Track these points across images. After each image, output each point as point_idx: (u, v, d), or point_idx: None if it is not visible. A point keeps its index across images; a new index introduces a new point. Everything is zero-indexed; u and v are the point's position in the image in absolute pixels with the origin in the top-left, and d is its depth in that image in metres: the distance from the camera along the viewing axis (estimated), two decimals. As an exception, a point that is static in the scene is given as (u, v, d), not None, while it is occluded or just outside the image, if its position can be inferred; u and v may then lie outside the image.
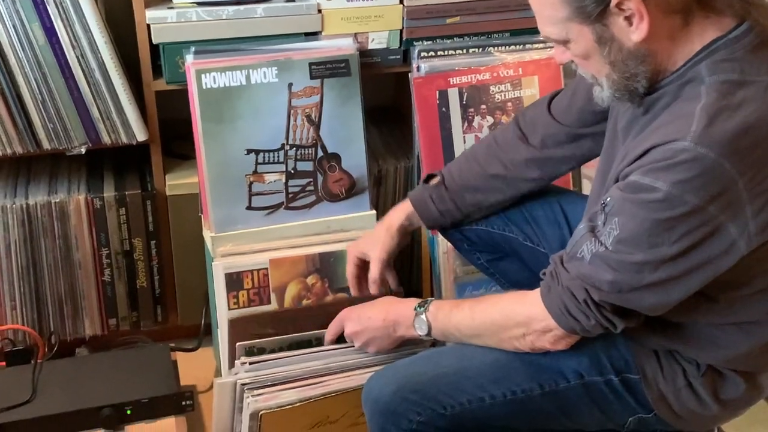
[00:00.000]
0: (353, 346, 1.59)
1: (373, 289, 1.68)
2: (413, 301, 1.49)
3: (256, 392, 1.55)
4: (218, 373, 1.94)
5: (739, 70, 1.18)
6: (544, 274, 1.32)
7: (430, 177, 1.69)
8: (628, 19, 1.19)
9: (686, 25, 1.21)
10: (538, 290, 1.31)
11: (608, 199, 1.23)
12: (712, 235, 1.17)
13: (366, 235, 1.75)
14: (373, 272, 1.67)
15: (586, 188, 2.05)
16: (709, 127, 1.14)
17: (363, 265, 1.71)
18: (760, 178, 1.15)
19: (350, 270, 1.73)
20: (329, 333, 1.63)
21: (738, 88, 1.17)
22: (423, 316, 1.45)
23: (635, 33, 1.19)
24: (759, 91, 1.16)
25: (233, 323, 1.69)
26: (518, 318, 1.34)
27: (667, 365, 1.36)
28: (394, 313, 1.51)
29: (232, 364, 1.64)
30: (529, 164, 1.61)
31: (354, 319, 1.58)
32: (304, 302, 1.84)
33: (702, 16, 1.21)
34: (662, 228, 1.17)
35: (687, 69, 1.22)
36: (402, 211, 1.69)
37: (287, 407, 1.54)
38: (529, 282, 1.47)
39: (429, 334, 1.46)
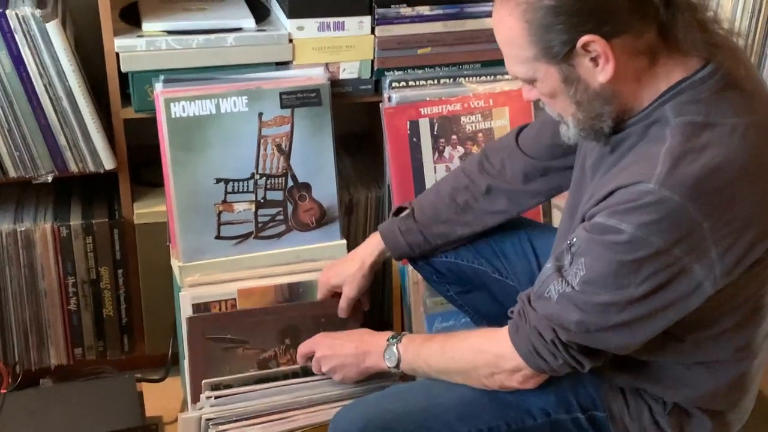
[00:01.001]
0: (321, 378, 1.58)
1: (342, 314, 1.73)
2: (387, 334, 1.50)
3: (221, 428, 1.53)
4: (185, 404, 1.91)
5: (704, 113, 1.19)
6: (512, 312, 1.31)
7: (400, 210, 1.69)
8: (594, 60, 1.19)
9: (652, 66, 1.21)
10: (506, 329, 1.31)
11: (575, 240, 1.23)
12: (678, 277, 1.17)
13: (336, 264, 1.75)
14: (344, 308, 1.73)
15: (557, 218, 2.06)
16: (673, 170, 1.14)
17: (333, 293, 1.75)
18: (725, 220, 1.15)
19: (320, 298, 1.76)
20: (299, 353, 1.65)
21: (702, 131, 1.17)
22: (394, 348, 1.46)
23: (601, 74, 1.19)
24: (723, 135, 1.17)
25: (191, 322, 1.69)
26: (487, 357, 1.33)
27: (633, 403, 1.36)
28: (367, 344, 1.52)
29: (195, 397, 1.63)
30: (496, 197, 1.61)
31: (326, 344, 1.58)
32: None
33: (667, 57, 1.21)
34: (628, 269, 1.17)
35: (653, 109, 1.22)
36: (374, 248, 1.70)
37: (252, 443, 1.52)
38: (498, 314, 1.47)
39: (398, 366, 1.46)
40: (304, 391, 1.59)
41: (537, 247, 1.64)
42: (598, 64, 1.19)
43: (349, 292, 1.70)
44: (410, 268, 1.89)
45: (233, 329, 1.71)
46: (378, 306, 2.14)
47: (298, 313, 1.73)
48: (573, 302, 1.22)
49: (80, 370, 2.01)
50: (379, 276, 2.12)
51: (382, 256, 1.70)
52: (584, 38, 1.17)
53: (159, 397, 1.96)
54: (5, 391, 1.79)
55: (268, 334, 1.73)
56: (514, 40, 1.22)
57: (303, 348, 1.64)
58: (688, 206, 1.13)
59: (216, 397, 1.57)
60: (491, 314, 1.70)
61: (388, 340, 1.48)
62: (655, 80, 1.22)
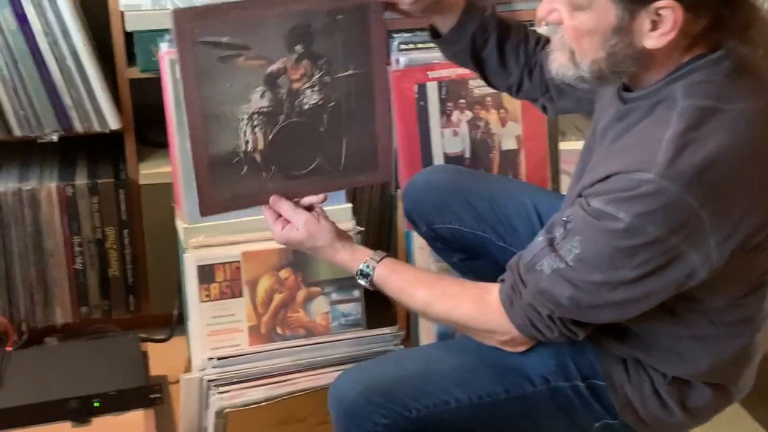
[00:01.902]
0: (322, 342, 1.59)
1: None
2: (358, 257, 1.41)
3: (222, 389, 1.54)
4: (190, 364, 1.93)
5: (715, 95, 1.16)
6: (503, 281, 1.31)
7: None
8: (654, 24, 1.14)
9: (687, 50, 1.18)
10: (497, 298, 1.30)
11: (571, 216, 1.21)
12: (673, 262, 1.16)
13: None
14: None
15: (565, 185, 2.04)
16: (674, 160, 1.12)
17: None
18: (725, 209, 1.14)
19: None
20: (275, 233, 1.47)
21: (709, 117, 1.15)
22: (370, 278, 1.40)
23: (653, 40, 1.15)
24: (729, 121, 1.14)
25: (177, 17, 1.33)
26: (480, 327, 1.33)
27: (634, 373, 1.35)
28: (336, 260, 1.43)
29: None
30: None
31: (299, 242, 1.44)
32: (276, 296, 1.82)
33: (702, 49, 1.18)
34: (623, 254, 1.16)
35: (663, 85, 1.19)
36: None
37: (253, 406, 1.53)
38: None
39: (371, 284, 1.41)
40: (305, 353, 1.60)
41: (542, 214, 1.62)
42: (656, 30, 1.14)
43: None
44: (415, 233, 1.89)
45: (230, 30, 1.35)
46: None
47: (311, 7, 1.39)
48: (566, 278, 1.21)
49: (85, 329, 2.03)
50: (384, 240, 2.13)
51: (447, 2, 1.47)
52: (668, 1, 1.12)
53: (164, 357, 1.97)
54: (11, 348, 1.80)
55: (274, 38, 1.38)
56: None
57: (279, 237, 1.45)
58: (686, 196, 1.12)
59: (218, 359, 1.58)
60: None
61: (358, 271, 1.40)
62: (678, 59, 1.19)
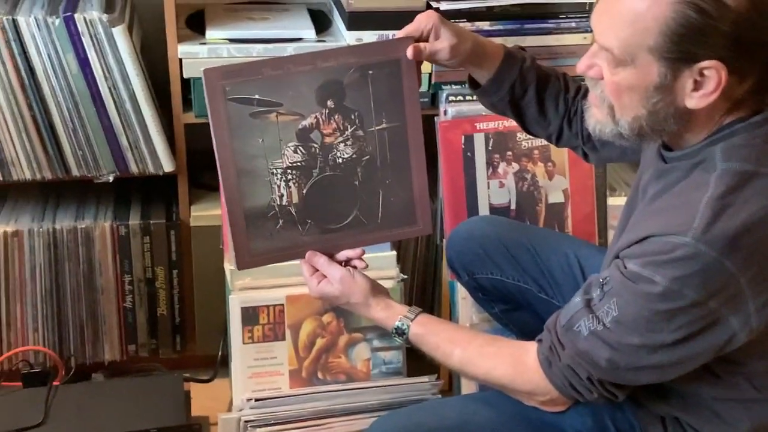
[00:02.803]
0: (359, 388, 1.59)
1: (411, 54, 1.39)
2: (392, 315, 1.41)
3: (259, 430, 1.55)
4: (231, 405, 1.94)
5: (754, 159, 1.15)
6: (540, 341, 1.30)
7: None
8: (697, 84, 1.14)
9: (729, 112, 1.18)
10: (535, 359, 1.29)
11: (608, 278, 1.21)
12: (712, 327, 1.15)
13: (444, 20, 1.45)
14: (420, 49, 1.40)
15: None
16: (712, 225, 1.11)
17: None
18: (763, 273, 1.13)
19: (408, 29, 1.42)
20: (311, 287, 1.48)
21: (748, 181, 1.14)
22: (406, 333, 1.39)
23: (694, 100, 1.15)
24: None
25: (208, 75, 1.36)
26: (519, 388, 1.32)
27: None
28: (374, 318, 1.43)
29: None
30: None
31: (334, 298, 1.46)
32: (318, 340, 1.84)
33: (744, 112, 1.18)
34: (661, 318, 1.16)
35: (702, 147, 1.19)
36: (488, 44, 1.49)
37: (288, 448, 1.54)
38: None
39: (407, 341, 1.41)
40: (342, 398, 1.60)
41: (585, 267, 1.62)
42: (698, 90, 1.14)
43: (441, 45, 1.40)
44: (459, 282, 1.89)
45: (261, 87, 1.37)
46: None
47: (341, 62, 1.39)
48: (603, 340, 1.20)
49: (132, 366, 2.06)
50: (428, 289, 2.13)
51: (486, 54, 1.47)
52: (712, 62, 1.12)
53: (207, 397, 1.98)
54: (58, 383, 1.84)
55: (305, 94, 1.39)
56: (647, 21, 1.12)
57: (315, 292, 1.46)
58: (724, 261, 1.11)
59: (256, 400, 1.59)
60: (537, 334, 1.66)
61: (394, 329, 1.40)
62: (719, 121, 1.19)
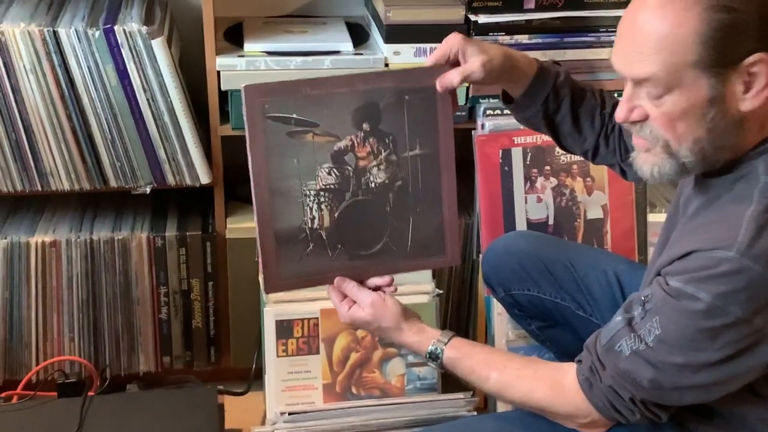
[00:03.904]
0: (393, 403, 1.57)
1: (445, 84, 1.39)
2: (425, 339, 1.39)
3: (291, 445, 1.54)
4: (265, 419, 1.93)
5: None
6: (580, 362, 1.27)
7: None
8: (747, 85, 1.11)
9: None
10: (575, 381, 1.27)
11: (649, 296, 1.18)
12: (758, 345, 1.12)
13: (476, 40, 1.46)
14: (453, 78, 1.39)
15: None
16: (756, 238, 1.09)
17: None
18: None
19: (437, 53, 1.40)
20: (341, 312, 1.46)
21: None
22: (439, 360, 1.37)
23: (748, 101, 1.11)
24: None
25: (248, 92, 1.36)
26: (558, 411, 1.30)
27: (715, 454, 1.30)
28: (411, 344, 1.41)
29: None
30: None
31: (365, 324, 1.44)
32: (353, 354, 1.82)
33: None
34: (705, 336, 1.13)
35: (745, 160, 1.16)
36: (521, 58, 1.48)
37: (321, 462, 1.53)
38: (580, 352, 1.43)
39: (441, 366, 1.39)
40: (376, 414, 1.59)
41: (624, 285, 1.59)
42: (750, 89, 1.11)
43: (475, 61, 1.37)
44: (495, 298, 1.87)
45: (299, 106, 1.36)
46: (462, 335, 2.11)
47: (378, 86, 1.39)
48: (646, 359, 1.18)
49: (166, 378, 2.06)
50: (464, 304, 2.11)
51: (518, 70, 1.45)
52: (756, 56, 1.08)
53: (241, 410, 1.98)
54: (93, 393, 1.84)
55: (342, 115, 1.39)
56: (678, 37, 1.09)
57: (346, 318, 1.44)
58: None
59: (289, 414, 1.58)
60: (574, 351, 1.61)
61: (428, 353, 1.38)
62: (761, 128, 1.15)
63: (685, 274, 1.13)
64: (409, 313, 1.42)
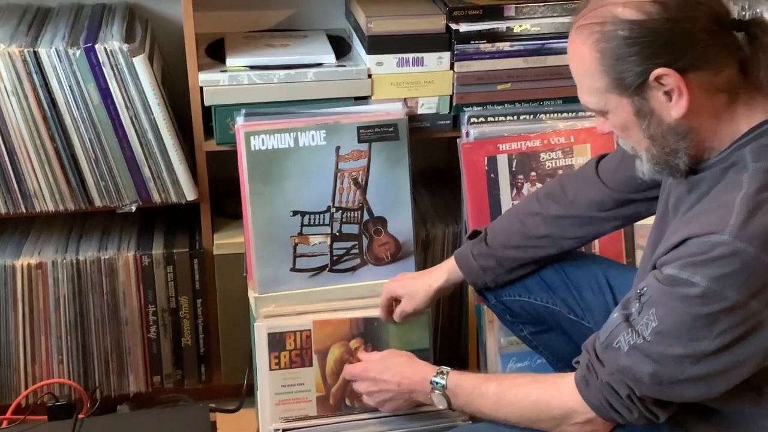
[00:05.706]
0: (387, 416, 1.57)
1: (391, 320, 1.78)
2: (429, 371, 1.48)
3: (287, 460, 1.53)
4: (258, 435, 1.92)
5: None
6: (578, 363, 1.28)
7: (475, 233, 1.68)
8: (668, 95, 1.17)
9: (732, 105, 1.18)
10: (571, 380, 1.27)
11: (645, 289, 1.19)
12: (756, 330, 1.12)
13: (406, 277, 1.77)
14: (398, 315, 1.76)
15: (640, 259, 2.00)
16: (748, 221, 1.10)
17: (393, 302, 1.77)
18: None
19: (383, 303, 1.78)
20: (345, 371, 1.73)
21: None
22: (441, 395, 1.44)
23: (674, 109, 1.17)
24: None
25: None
26: (554, 412, 1.30)
27: (714, 454, 1.30)
28: (409, 382, 1.52)
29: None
30: (573, 224, 1.58)
31: (369, 380, 1.60)
32: (346, 366, 1.81)
33: (749, 96, 1.18)
34: (702, 323, 1.13)
35: (732, 151, 1.19)
36: (445, 273, 1.69)
37: (316, 477, 1.52)
38: (573, 356, 1.43)
39: (450, 407, 1.45)
40: (370, 426, 1.58)
41: (614, 287, 1.60)
42: (672, 99, 1.17)
43: (406, 307, 1.73)
44: (486, 306, 1.87)
45: None
46: (454, 344, 2.12)
47: None
48: (645, 354, 1.18)
49: (157, 397, 2.04)
50: (455, 314, 2.11)
51: (450, 283, 1.69)
52: (657, 71, 1.15)
53: (232, 427, 1.96)
54: (84, 415, 1.82)
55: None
56: (587, 69, 1.21)
57: (347, 372, 1.70)
58: (764, 258, 1.09)
59: (284, 431, 1.57)
60: (567, 356, 1.63)
61: (431, 382, 1.45)
62: (735, 120, 1.18)
63: (680, 260, 1.14)
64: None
